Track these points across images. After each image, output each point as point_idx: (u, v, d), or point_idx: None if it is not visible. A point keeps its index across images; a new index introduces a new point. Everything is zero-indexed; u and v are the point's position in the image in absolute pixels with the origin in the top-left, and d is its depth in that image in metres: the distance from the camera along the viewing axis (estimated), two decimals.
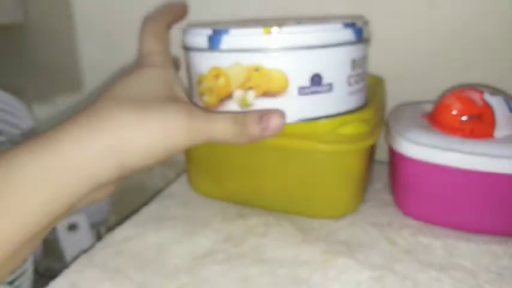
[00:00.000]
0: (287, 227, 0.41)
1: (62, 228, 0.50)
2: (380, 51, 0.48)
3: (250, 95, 0.35)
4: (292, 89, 0.35)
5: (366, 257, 0.37)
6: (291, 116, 0.36)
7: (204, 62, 0.36)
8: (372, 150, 0.46)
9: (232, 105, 0.36)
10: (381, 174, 0.51)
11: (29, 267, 0.54)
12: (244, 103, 0.36)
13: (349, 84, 0.37)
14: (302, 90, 0.35)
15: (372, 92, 0.44)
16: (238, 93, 0.35)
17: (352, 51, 0.37)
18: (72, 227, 0.50)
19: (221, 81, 0.35)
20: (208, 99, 0.37)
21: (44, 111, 0.72)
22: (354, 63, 0.37)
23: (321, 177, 0.40)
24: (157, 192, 0.48)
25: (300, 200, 0.42)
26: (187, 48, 0.38)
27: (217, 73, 0.35)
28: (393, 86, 0.50)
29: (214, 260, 0.36)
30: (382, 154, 0.49)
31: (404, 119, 0.44)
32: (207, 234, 0.40)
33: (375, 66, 0.48)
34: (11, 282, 0.50)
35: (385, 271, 0.35)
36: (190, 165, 0.47)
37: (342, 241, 0.39)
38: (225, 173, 0.44)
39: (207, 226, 0.41)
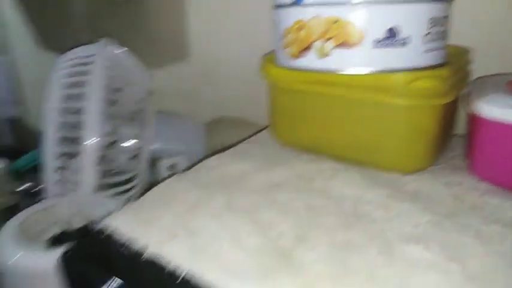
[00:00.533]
0: (355, 174, 0.44)
1: (164, 167, 0.60)
2: (469, 23, 0.48)
3: (329, 45, 0.39)
4: (368, 41, 0.38)
5: (429, 206, 0.38)
6: (366, 67, 0.40)
7: (290, 16, 0.41)
8: (449, 114, 0.46)
9: (310, 56, 0.41)
10: (459, 146, 0.51)
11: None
12: (322, 53, 0.40)
13: (426, 41, 0.39)
14: (377, 43, 0.38)
15: (455, 60, 0.45)
16: (317, 44, 0.40)
17: (431, 9, 0.39)
18: (173, 167, 0.59)
19: (303, 32, 0.40)
20: (290, 50, 0.42)
21: (157, 77, 0.84)
22: (432, 21, 0.39)
23: (393, 130, 0.42)
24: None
25: (371, 151, 0.44)
26: (276, 7, 0.44)
27: (300, 25, 0.40)
28: (480, 60, 0.50)
29: (285, 190, 0.41)
30: (462, 128, 0.49)
31: (487, 86, 0.43)
32: (281, 170, 0.45)
33: (462, 39, 0.49)
34: None
35: (447, 219, 0.36)
36: (273, 115, 0.53)
37: (408, 191, 0.41)
38: (303, 123, 0.48)
39: (282, 164, 0.46)
